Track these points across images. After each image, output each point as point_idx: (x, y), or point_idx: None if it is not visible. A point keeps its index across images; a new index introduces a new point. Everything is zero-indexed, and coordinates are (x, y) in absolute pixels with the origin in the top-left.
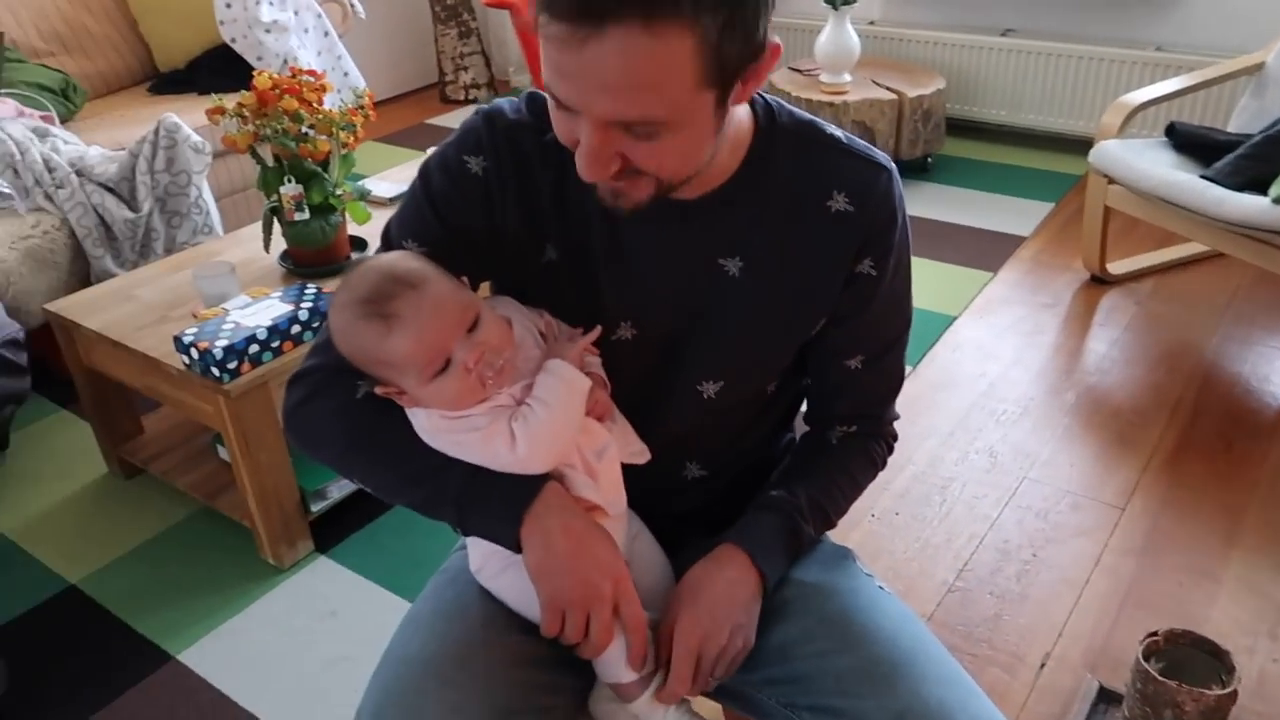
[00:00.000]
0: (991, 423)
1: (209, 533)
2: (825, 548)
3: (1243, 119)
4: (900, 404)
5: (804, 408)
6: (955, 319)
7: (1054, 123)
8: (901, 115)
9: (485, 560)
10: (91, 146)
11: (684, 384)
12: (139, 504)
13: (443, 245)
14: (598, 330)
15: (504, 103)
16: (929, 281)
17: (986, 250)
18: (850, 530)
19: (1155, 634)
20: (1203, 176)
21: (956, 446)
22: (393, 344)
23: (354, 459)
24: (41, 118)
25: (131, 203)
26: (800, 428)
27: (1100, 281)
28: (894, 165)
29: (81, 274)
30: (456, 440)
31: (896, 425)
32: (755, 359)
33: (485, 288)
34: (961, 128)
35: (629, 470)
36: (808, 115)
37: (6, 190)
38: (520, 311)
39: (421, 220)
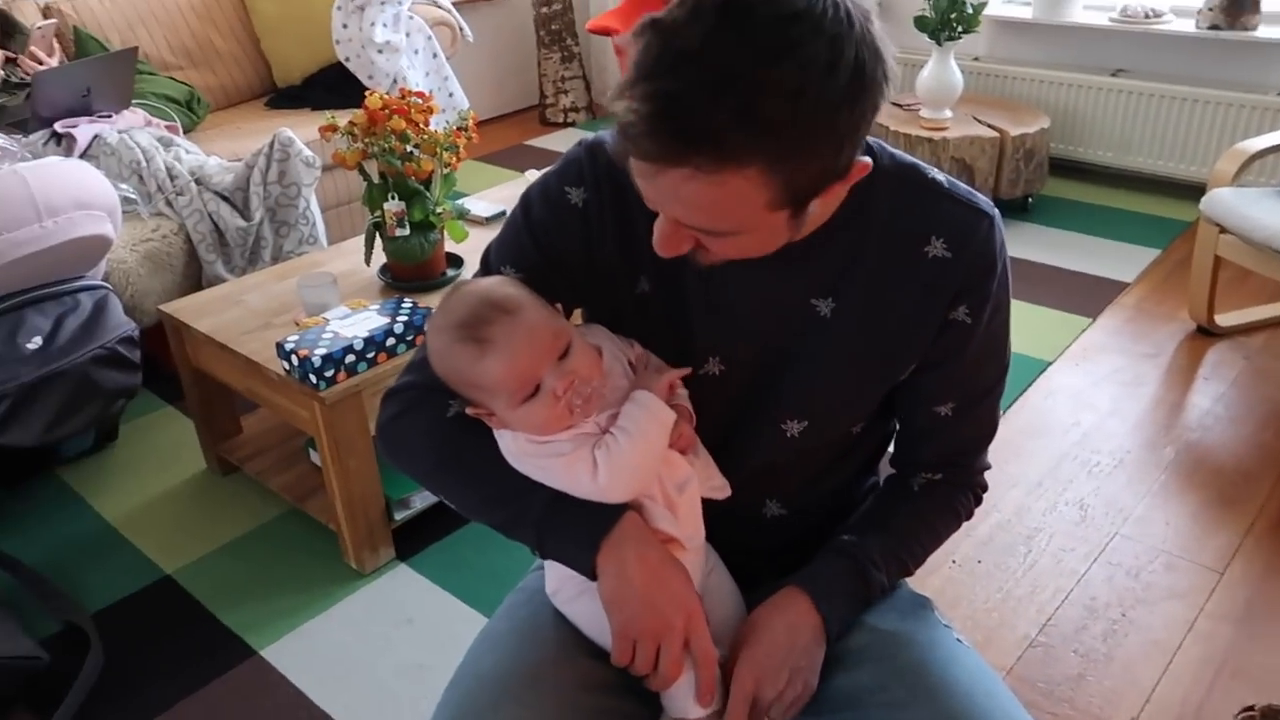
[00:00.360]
0: (1083, 474)
1: (296, 534)
2: (903, 595)
3: None
4: (989, 449)
5: (890, 450)
6: (1050, 364)
7: (1164, 166)
8: (1003, 153)
9: (561, 584)
10: (210, 157)
11: (768, 422)
12: (233, 501)
13: (539, 272)
14: (687, 370)
15: (607, 135)
16: (1024, 324)
17: (1086, 295)
18: (929, 576)
19: (1251, 709)
20: None
21: (1045, 496)
22: (485, 368)
23: (441, 476)
24: (167, 127)
25: (244, 211)
26: (886, 471)
27: (1207, 333)
28: (996, 212)
29: (194, 277)
30: (540, 465)
31: (987, 475)
32: (842, 401)
33: (578, 314)
34: (1065, 168)
35: (708, 505)
36: (909, 158)
37: (131, 195)
38: (611, 340)
39: (520, 247)
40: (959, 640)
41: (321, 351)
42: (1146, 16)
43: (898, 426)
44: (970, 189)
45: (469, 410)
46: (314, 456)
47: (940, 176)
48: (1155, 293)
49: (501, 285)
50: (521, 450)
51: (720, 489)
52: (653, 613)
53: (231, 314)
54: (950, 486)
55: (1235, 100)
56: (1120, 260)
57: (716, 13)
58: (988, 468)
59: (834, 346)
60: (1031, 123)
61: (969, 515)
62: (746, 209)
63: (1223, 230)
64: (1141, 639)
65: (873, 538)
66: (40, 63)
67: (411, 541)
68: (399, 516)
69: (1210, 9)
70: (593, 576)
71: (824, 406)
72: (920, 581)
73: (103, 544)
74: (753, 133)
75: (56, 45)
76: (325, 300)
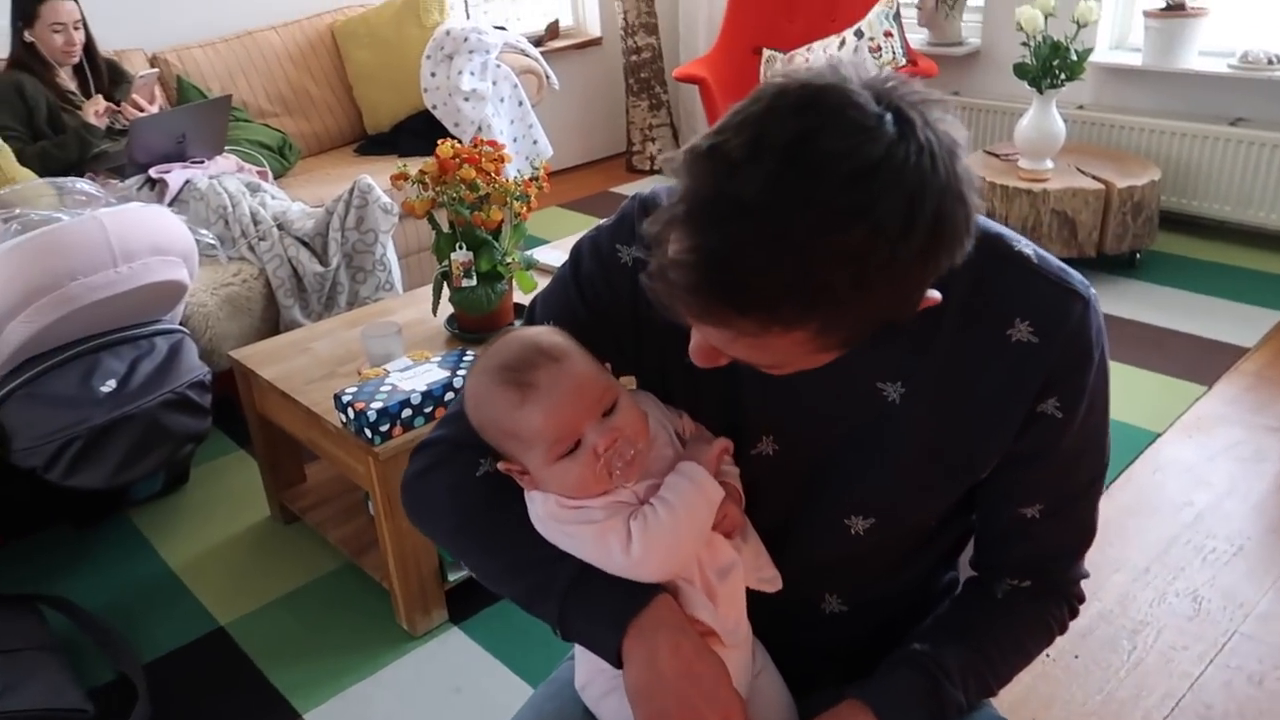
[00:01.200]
0: (1197, 561)
1: (351, 590)
2: (982, 718)
3: None
4: (1085, 556)
5: (970, 547)
6: (1159, 436)
7: None
8: (1108, 206)
9: (591, 678)
10: (295, 202)
11: (829, 515)
12: (292, 552)
13: (585, 328)
14: (729, 443)
15: (662, 190)
16: (1130, 392)
17: (1200, 360)
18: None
19: None
20: None
21: (1153, 585)
22: (525, 415)
23: (464, 538)
24: (258, 173)
25: (322, 257)
26: (964, 568)
27: None
28: (1093, 292)
29: (271, 321)
30: (569, 531)
31: (1084, 584)
32: (913, 499)
33: (631, 381)
34: (1177, 222)
35: (759, 596)
36: (994, 226)
37: (211, 241)
38: (659, 408)
39: (567, 302)
40: None
41: (378, 405)
42: (1269, 63)
43: (978, 525)
44: (1063, 265)
45: (500, 465)
46: (373, 509)
47: (1029, 249)
48: (1279, 359)
49: (550, 333)
50: (551, 514)
51: (771, 581)
52: (684, 709)
53: (298, 362)
54: (1041, 596)
55: None
56: (1238, 322)
57: (780, 157)
58: (1085, 576)
59: (903, 436)
60: (1140, 174)
61: (1062, 629)
62: (791, 355)
63: None
64: None
65: (950, 649)
66: (141, 110)
67: (465, 604)
68: (453, 578)
69: None
70: (618, 662)
71: (892, 503)
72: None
73: (164, 591)
74: (806, 301)
75: (159, 94)
76: (389, 350)
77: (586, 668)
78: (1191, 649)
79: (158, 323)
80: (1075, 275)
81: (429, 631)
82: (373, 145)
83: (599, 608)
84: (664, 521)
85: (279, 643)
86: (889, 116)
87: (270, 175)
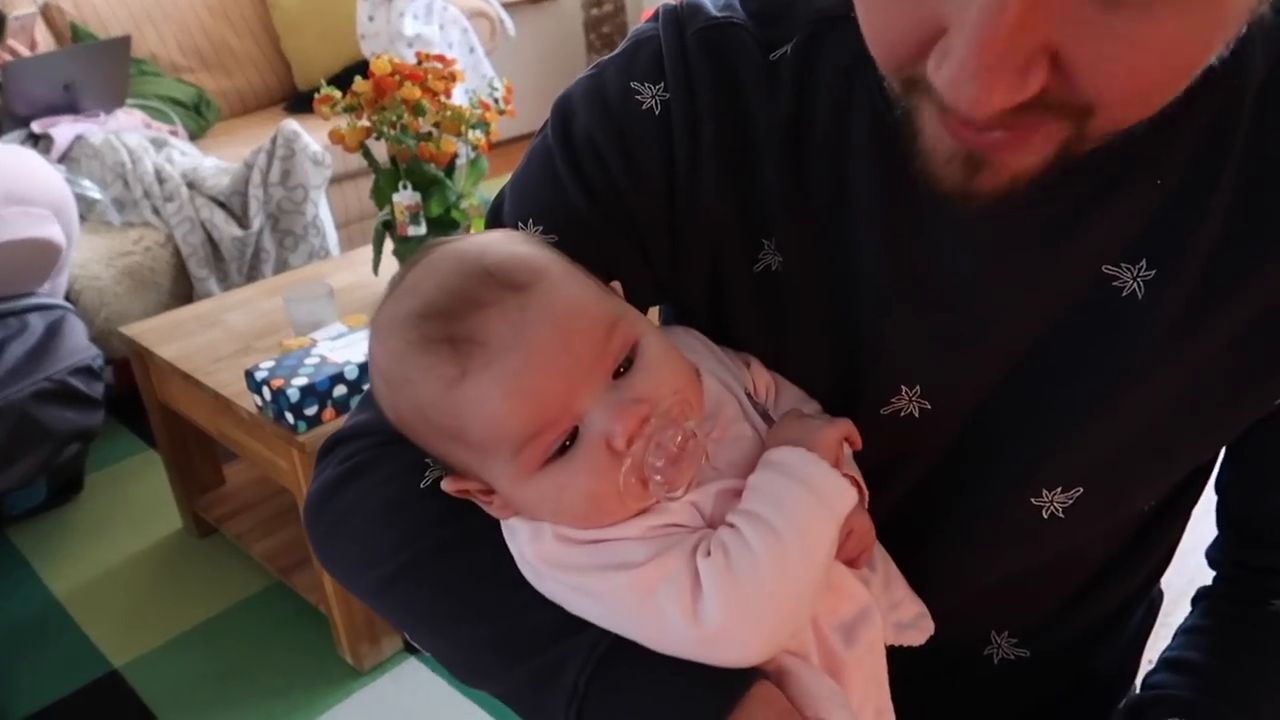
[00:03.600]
0: None
1: (281, 617)
2: None
3: None
4: None
5: (1205, 551)
6: None
7: None
8: None
9: None
10: (207, 158)
11: (1011, 495)
12: (208, 571)
13: (589, 231)
14: (849, 424)
15: None
16: None
17: None
18: None
19: None
20: None
21: None
22: (471, 397)
23: (403, 594)
24: (169, 131)
25: (242, 219)
26: (1173, 589)
27: None
28: None
29: (184, 296)
30: (584, 585)
31: None
32: (1153, 448)
33: (653, 313)
34: None
35: (893, 653)
36: None
37: (96, 195)
38: (715, 358)
39: (555, 191)
40: None
41: (301, 382)
42: None
43: (1236, 505)
44: None
45: (449, 485)
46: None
47: None
48: None
49: (507, 241)
50: (548, 559)
51: (919, 626)
52: None
53: (205, 337)
54: None
55: None
56: None
57: None
58: None
59: (1150, 350)
60: None
61: None
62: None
63: None
64: None
65: (1216, 689)
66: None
67: None
68: None
69: None
70: None
71: (1118, 460)
72: None
73: (45, 626)
74: None
75: (42, 39)
76: (318, 316)
77: None
78: None
79: (30, 296)
80: None
81: (379, 665)
82: (304, 102)
83: (650, 713)
84: (759, 557)
85: (188, 688)
86: None
87: (184, 134)
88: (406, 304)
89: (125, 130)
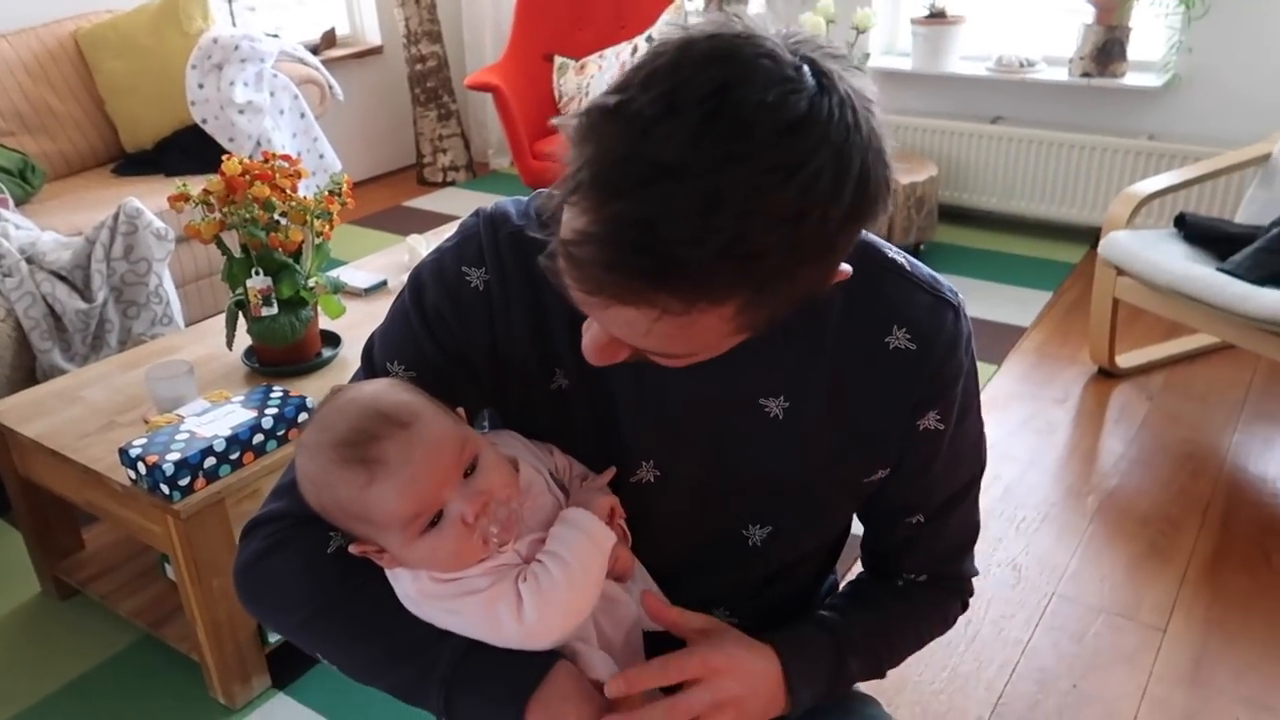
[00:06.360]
0: (1012, 531)
1: (152, 667)
2: (851, 695)
3: (1252, 210)
4: (973, 554)
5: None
6: None
7: (1046, 210)
8: (895, 202)
9: None
10: (46, 232)
11: (723, 530)
12: (73, 632)
13: (437, 372)
14: (611, 471)
15: (509, 204)
16: None
17: (988, 342)
18: None
19: None
20: (1220, 270)
21: (978, 558)
22: (376, 496)
23: (322, 627)
24: None
25: (85, 292)
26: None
27: (1109, 375)
28: (961, 299)
29: (26, 369)
30: (449, 608)
31: (975, 581)
32: (807, 507)
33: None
34: (954, 215)
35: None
36: (865, 233)
37: None
38: (527, 449)
39: (412, 342)
40: None
41: (174, 457)
42: (1021, 66)
43: (865, 535)
44: (933, 273)
45: (354, 549)
46: (170, 573)
47: (900, 256)
48: (1055, 336)
49: (391, 391)
50: (424, 592)
51: None
52: None
53: (68, 414)
54: (935, 587)
55: (1109, 145)
56: (1016, 304)
57: (702, 113)
58: (975, 574)
59: (792, 450)
60: (920, 171)
61: (953, 622)
62: (709, 338)
63: (1120, 272)
64: (1096, 713)
65: (857, 621)
66: None
67: (289, 666)
68: (274, 639)
69: (1081, 58)
70: None
71: (790, 513)
72: None
73: None
74: (739, 269)
75: None
76: (179, 393)
77: None
78: (1018, 615)
79: None
80: (944, 283)
81: (250, 702)
82: (134, 165)
83: (489, 687)
84: (557, 579)
85: None
86: (806, 68)
87: (11, 202)
88: (328, 435)
89: None
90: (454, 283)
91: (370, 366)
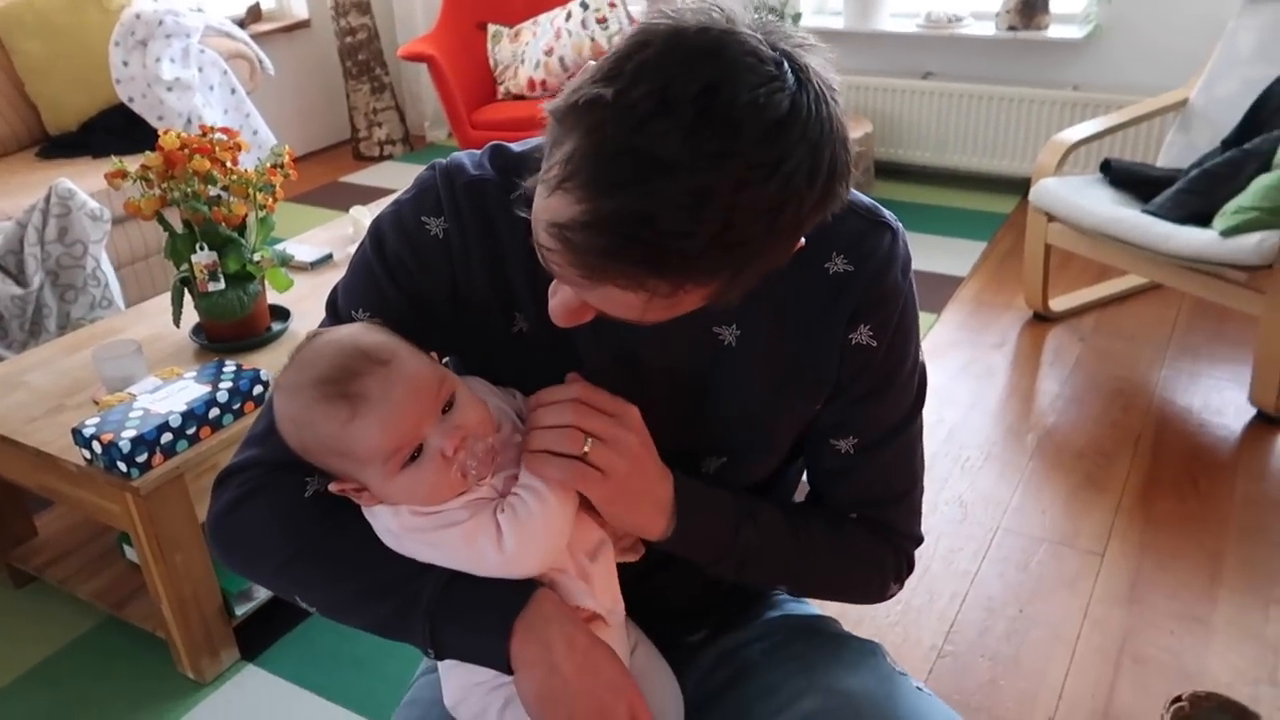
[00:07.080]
0: (957, 470)
1: (117, 647)
2: (851, 645)
3: (1171, 154)
4: (919, 520)
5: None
6: None
7: (978, 162)
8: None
9: (464, 694)
10: None
11: (682, 461)
12: (32, 619)
13: (401, 317)
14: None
15: (463, 157)
16: None
17: (927, 293)
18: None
19: (1180, 699)
20: (1145, 211)
21: (926, 499)
22: (359, 430)
23: (301, 570)
24: None
25: (19, 277)
26: None
27: (1043, 319)
28: (900, 225)
29: None
30: (431, 540)
31: (917, 551)
32: (759, 436)
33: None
34: (889, 171)
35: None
36: None
37: None
38: (494, 393)
39: (375, 289)
40: (919, 688)
41: (130, 434)
42: (949, 21)
43: (806, 465)
44: (873, 201)
45: (333, 487)
46: (130, 553)
47: None
48: (990, 283)
49: (367, 332)
50: (405, 526)
51: (633, 549)
52: (593, 707)
53: (12, 399)
54: (874, 534)
55: (1036, 96)
56: (953, 255)
57: (695, 110)
58: (918, 539)
59: (741, 378)
60: (855, 129)
61: (897, 580)
62: (688, 309)
63: (1051, 219)
64: (1042, 635)
65: (768, 504)
66: None
67: (258, 638)
68: (240, 611)
69: (1007, 11)
70: (507, 669)
71: (742, 441)
72: (822, 604)
73: None
74: (724, 255)
75: None
76: (129, 372)
77: (457, 683)
78: (966, 549)
79: None
80: (885, 210)
81: (220, 675)
82: (58, 148)
83: (476, 614)
84: (534, 509)
85: None
86: (786, 65)
87: None
88: (308, 374)
89: None
90: (414, 231)
91: (335, 315)
